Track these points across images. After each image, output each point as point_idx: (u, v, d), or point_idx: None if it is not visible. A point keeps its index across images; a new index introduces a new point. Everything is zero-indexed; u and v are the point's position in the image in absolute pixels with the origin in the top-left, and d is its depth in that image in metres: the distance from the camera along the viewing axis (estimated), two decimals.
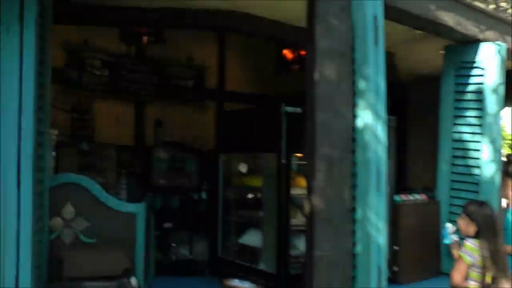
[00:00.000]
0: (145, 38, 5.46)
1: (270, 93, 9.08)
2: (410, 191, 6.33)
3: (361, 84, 3.36)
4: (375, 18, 3.37)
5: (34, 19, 3.02)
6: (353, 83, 3.36)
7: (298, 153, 4.00)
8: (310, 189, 3.19)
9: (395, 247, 5.14)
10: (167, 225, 6.99)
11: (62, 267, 3.24)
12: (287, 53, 7.52)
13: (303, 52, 7.30)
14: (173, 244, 6.73)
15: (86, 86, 7.04)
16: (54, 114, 6.66)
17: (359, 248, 3.37)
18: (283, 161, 3.71)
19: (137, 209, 3.46)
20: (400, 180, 7.02)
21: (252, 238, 4.33)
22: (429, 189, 6.40)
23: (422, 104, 7.74)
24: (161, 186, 6.92)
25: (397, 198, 5.33)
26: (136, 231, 3.42)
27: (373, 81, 3.36)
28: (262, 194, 4.22)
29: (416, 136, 8.10)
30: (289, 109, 3.77)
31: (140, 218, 3.43)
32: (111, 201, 3.46)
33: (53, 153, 5.68)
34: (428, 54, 6.25)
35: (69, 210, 3.43)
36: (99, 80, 7.31)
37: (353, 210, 3.30)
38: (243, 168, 4.50)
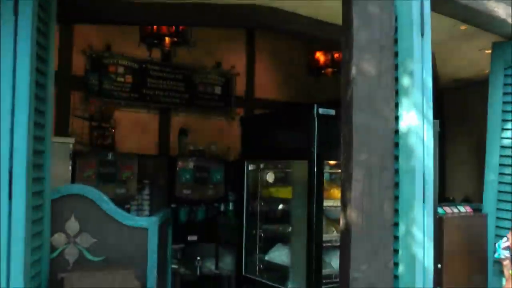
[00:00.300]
0: (167, 40, 5.06)
1: (301, 100, 8.69)
2: (450, 202, 5.82)
3: (405, 81, 2.90)
4: (422, 4, 2.93)
5: (31, 11, 2.66)
6: (396, 79, 2.90)
7: (332, 160, 3.56)
8: (345, 201, 2.74)
9: (438, 265, 4.62)
10: (192, 237, 6.64)
11: None
12: (320, 56, 7.07)
13: (337, 55, 6.86)
14: (198, 258, 6.35)
15: (108, 93, 6.75)
16: (73, 122, 6.47)
17: (401, 269, 2.91)
18: (315, 169, 3.29)
19: (149, 223, 3.06)
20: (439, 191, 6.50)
21: (279, 255, 3.89)
22: (469, 200, 5.91)
23: (461, 108, 7.23)
24: (186, 197, 6.56)
25: (441, 210, 4.82)
26: (148, 248, 3.02)
27: (418, 77, 2.90)
28: (291, 206, 3.78)
29: (454, 143, 7.55)
30: (322, 110, 3.34)
31: (152, 234, 3.03)
32: (120, 215, 3.07)
33: (70, 163, 5.39)
34: (471, 54, 5.73)
35: (73, 225, 3.05)
36: (122, 87, 7.02)
37: (395, 225, 2.84)
38: (270, 177, 4.08)
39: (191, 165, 6.58)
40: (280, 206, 4.12)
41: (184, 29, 5.04)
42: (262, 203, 4.05)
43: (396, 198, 2.84)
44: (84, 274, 2.82)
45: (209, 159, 6.79)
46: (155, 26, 4.83)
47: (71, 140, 5.46)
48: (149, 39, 4.94)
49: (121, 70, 7.06)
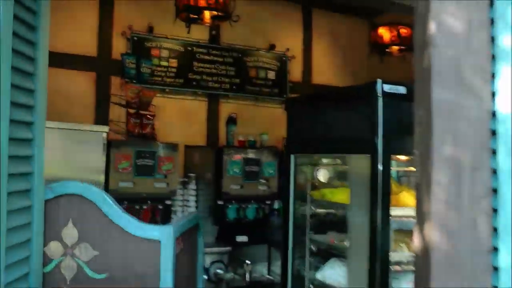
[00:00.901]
0: (206, 14, 4.38)
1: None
2: None
3: (505, 41, 2.08)
4: None
5: None
6: (492, 40, 2.08)
7: (402, 154, 2.69)
8: (422, 212, 1.96)
9: None
10: (241, 238, 5.99)
11: None
12: (384, 32, 6.20)
13: (404, 30, 5.98)
14: (247, 262, 5.69)
15: (151, 79, 6.19)
16: (113, 109, 5.95)
17: None
18: (379, 166, 2.47)
19: (162, 234, 2.40)
20: None
21: (334, 274, 3.12)
22: None
23: None
24: (234, 193, 5.91)
25: None
26: (160, 266, 2.36)
27: None
28: (349, 212, 2.95)
29: None
30: (389, 87, 2.50)
31: (166, 248, 2.36)
32: (127, 222, 2.42)
33: (103, 153, 4.85)
34: None
35: (70, 233, 2.43)
36: (167, 71, 6.44)
37: (494, 250, 2.03)
38: (321, 175, 3.32)
39: (240, 157, 5.91)
40: (335, 212, 3.34)
41: (226, 1, 4.34)
42: (313, 207, 3.29)
43: (495, 210, 2.02)
44: None
45: (261, 151, 6.09)
46: None
47: (105, 128, 4.91)
48: (186, 13, 4.26)
49: (165, 53, 6.48)
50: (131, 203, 5.09)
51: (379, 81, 2.52)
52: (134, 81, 5.90)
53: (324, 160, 3.36)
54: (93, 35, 6.11)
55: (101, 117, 5.94)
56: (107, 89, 5.97)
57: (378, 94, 2.51)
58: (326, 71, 7.79)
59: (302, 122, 3.25)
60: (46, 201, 2.40)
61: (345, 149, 2.82)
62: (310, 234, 3.31)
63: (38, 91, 2.42)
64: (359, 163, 2.79)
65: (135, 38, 6.28)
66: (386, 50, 6.39)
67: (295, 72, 7.48)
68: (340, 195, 3.13)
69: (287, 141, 3.36)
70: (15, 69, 2.16)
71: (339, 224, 3.20)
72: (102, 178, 4.88)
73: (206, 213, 6.02)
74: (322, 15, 7.71)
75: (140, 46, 6.29)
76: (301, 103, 3.53)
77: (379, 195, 2.44)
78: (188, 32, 4.51)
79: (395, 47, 6.52)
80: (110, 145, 4.96)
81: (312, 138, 3.12)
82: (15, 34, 2.15)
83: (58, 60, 5.84)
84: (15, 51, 2.16)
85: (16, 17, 2.16)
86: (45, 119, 2.52)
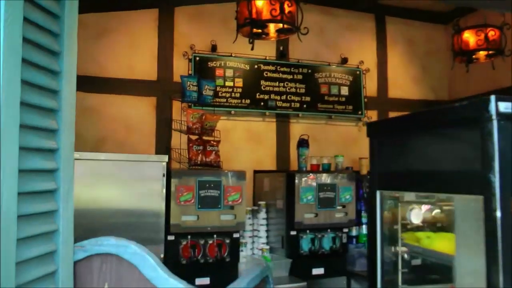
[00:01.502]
0: (271, 27, 3.89)
1: (446, 97, 7.19)
2: None
3: None
4: None
5: None
6: None
7: None
8: None
9: None
10: (317, 271, 5.42)
11: None
12: (470, 36, 5.48)
13: (492, 32, 5.24)
14: None
15: (215, 101, 5.79)
16: (173, 136, 5.59)
17: None
18: (498, 212, 1.82)
19: None
20: None
21: None
22: None
23: None
24: (308, 222, 5.35)
25: None
26: None
27: None
28: (456, 267, 2.33)
29: None
30: (505, 106, 1.87)
31: None
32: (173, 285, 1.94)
33: (164, 186, 4.46)
34: None
35: None
36: (232, 92, 6.03)
37: None
38: (415, 216, 2.72)
39: (313, 182, 5.36)
40: (435, 261, 2.71)
41: (293, 12, 3.83)
42: (405, 255, 2.69)
43: None
44: None
45: (336, 175, 5.52)
46: (253, 8, 3.66)
47: (164, 158, 4.51)
48: (249, 27, 3.78)
49: (229, 72, 6.07)
50: (195, 237, 4.68)
51: (492, 97, 1.90)
52: (197, 105, 5.51)
53: (418, 198, 2.76)
54: (153, 58, 5.79)
55: (162, 145, 5.59)
56: (168, 114, 5.61)
57: (492, 116, 1.89)
58: (403, 83, 7.14)
59: (389, 151, 2.66)
60: (76, 262, 1.96)
61: (447, 187, 2.22)
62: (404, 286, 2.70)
63: (62, 111, 1.96)
64: (466, 205, 2.19)
65: (197, 58, 5.91)
66: (473, 57, 5.66)
67: (370, 86, 6.88)
68: (441, 242, 2.52)
69: (371, 174, 2.76)
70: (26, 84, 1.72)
71: (442, 278, 2.57)
72: (162, 212, 4.48)
73: (278, 244, 5.51)
74: (396, 22, 7.11)
75: (202, 67, 5.92)
76: (387, 128, 2.93)
77: (499, 252, 1.82)
78: (252, 49, 4.04)
79: (482, 53, 5.78)
80: (170, 175, 4.56)
81: (402, 172, 2.53)
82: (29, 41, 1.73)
83: (117, 86, 5.55)
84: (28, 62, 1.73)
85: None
86: (73, 166, 2.05)
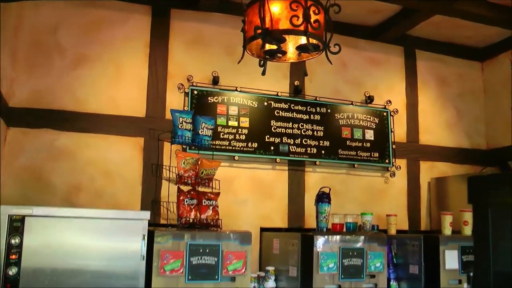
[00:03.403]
0: (290, 43, 2.87)
1: (483, 146, 6.22)
2: None
3: None
4: None
5: None
6: None
7: None
8: None
9: None
10: None
11: None
12: None
13: None
14: None
15: (215, 144, 4.78)
16: (163, 187, 4.54)
17: None
18: None
19: None
20: None
21: None
22: None
23: None
24: None
25: None
26: None
27: None
28: None
29: None
30: None
31: None
32: None
33: (143, 249, 3.39)
34: None
35: None
36: (236, 133, 5.02)
37: None
38: None
39: (335, 246, 4.28)
40: None
41: (318, 21, 2.80)
42: None
43: None
44: None
45: (365, 237, 4.44)
46: (267, 15, 2.64)
47: (145, 215, 3.46)
48: (258, 39, 2.75)
49: (233, 110, 5.07)
50: None
51: None
52: (192, 148, 4.49)
53: None
54: (141, 91, 4.80)
55: (149, 197, 4.52)
56: (157, 159, 4.57)
57: None
58: (435, 128, 6.12)
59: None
60: None
61: None
62: None
63: None
64: None
65: (195, 92, 4.92)
66: None
67: (398, 130, 5.85)
68: None
69: (475, 274, 1.69)
70: None
71: None
72: (141, 284, 3.40)
73: None
74: (427, 58, 6.15)
75: (201, 102, 4.93)
76: (497, 188, 1.87)
77: None
78: (263, 73, 3.01)
79: None
80: (152, 238, 3.49)
81: None
82: None
83: (97, 123, 4.56)
84: None
85: None
86: None
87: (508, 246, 1.59)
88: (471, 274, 4.34)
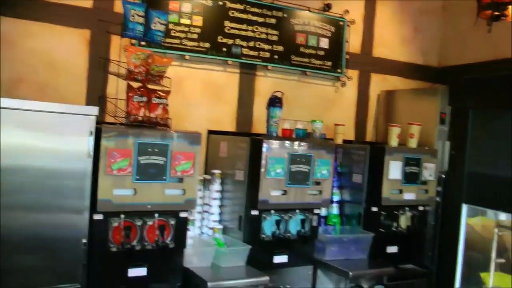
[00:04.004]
0: None
1: (435, 63, 6.27)
2: None
3: None
4: None
5: None
6: None
7: None
8: None
9: None
10: (280, 259, 4.42)
11: None
12: None
13: None
14: None
15: (166, 42, 4.58)
16: (110, 82, 4.35)
17: None
18: None
19: None
20: None
21: None
22: None
23: None
24: (274, 200, 4.30)
25: None
26: None
27: None
28: None
29: None
30: None
31: None
32: None
33: (91, 147, 3.27)
34: None
35: None
36: (188, 32, 4.81)
37: None
38: None
39: (285, 152, 4.29)
40: None
41: None
42: None
43: None
44: None
45: (314, 145, 4.46)
46: None
47: (93, 110, 3.30)
48: None
49: (186, 7, 4.83)
50: (130, 217, 3.54)
51: None
52: (142, 43, 4.28)
53: None
54: None
55: (96, 93, 4.33)
56: (105, 53, 4.32)
57: None
58: (391, 42, 6.10)
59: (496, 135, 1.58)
60: None
61: None
62: None
63: None
64: None
65: None
66: (496, 13, 4.56)
67: (353, 41, 5.79)
68: None
69: (449, 175, 1.69)
70: None
71: None
72: (87, 184, 3.31)
73: (234, 224, 4.45)
74: None
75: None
76: (494, 93, 1.84)
77: None
78: None
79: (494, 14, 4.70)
80: (99, 135, 3.36)
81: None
82: None
83: (41, 10, 4.22)
84: None
85: None
86: None
87: (484, 147, 1.61)
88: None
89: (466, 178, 1.54)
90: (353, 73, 5.78)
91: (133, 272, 3.62)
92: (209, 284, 3.71)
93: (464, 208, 1.58)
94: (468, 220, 1.84)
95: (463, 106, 1.74)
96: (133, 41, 4.31)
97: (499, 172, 1.54)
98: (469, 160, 1.57)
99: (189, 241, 3.97)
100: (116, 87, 3.91)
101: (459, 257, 1.54)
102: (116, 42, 4.19)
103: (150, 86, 3.75)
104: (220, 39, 4.98)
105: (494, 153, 1.56)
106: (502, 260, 1.70)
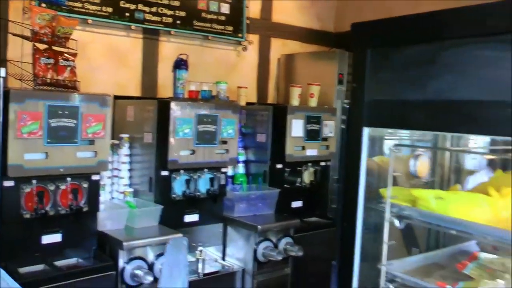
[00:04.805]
0: None
1: (331, 29, 6.58)
2: None
3: None
4: None
5: None
6: None
7: None
8: None
9: None
10: (191, 218, 4.57)
11: None
12: None
13: None
14: (200, 248, 4.32)
15: (69, 5, 4.49)
16: (10, 44, 4.20)
17: None
18: None
19: None
20: None
21: None
22: None
23: None
24: (184, 160, 4.41)
25: None
26: None
27: None
28: None
29: None
30: None
31: None
32: None
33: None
34: None
35: None
36: None
37: None
38: (420, 167, 1.92)
39: (192, 113, 4.39)
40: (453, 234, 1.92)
41: None
42: (398, 222, 1.89)
43: None
44: None
45: (219, 106, 4.61)
46: None
47: (0, 72, 3.22)
48: None
49: None
50: (42, 182, 3.51)
51: None
52: (47, 6, 4.17)
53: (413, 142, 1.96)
54: None
55: None
56: (3, 13, 4.17)
57: None
58: (290, 8, 6.35)
59: (390, 69, 1.81)
60: None
61: (486, 127, 1.43)
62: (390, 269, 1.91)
63: None
64: None
65: None
66: None
67: (253, 7, 5.97)
68: (465, 209, 1.76)
69: (355, 103, 1.89)
70: None
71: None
72: None
73: (144, 187, 4.52)
74: None
75: None
76: (390, 32, 2.05)
77: None
78: None
79: None
80: (7, 98, 3.29)
81: (412, 101, 1.70)
82: None
83: None
84: None
85: None
86: None
87: (381, 79, 1.80)
88: None
89: (365, 106, 1.74)
90: (254, 38, 5.97)
91: (48, 238, 3.60)
92: (124, 244, 3.77)
93: (365, 130, 1.76)
94: (368, 160, 2.05)
95: (362, 46, 1.93)
96: (33, 2, 4.18)
97: (392, 98, 1.75)
98: (368, 92, 1.76)
99: (101, 206, 4.00)
100: (21, 50, 3.81)
101: (361, 181, 1.71)
102: (16, 3, 4.06)
103: (56, 48, 3.70)
104: (122, 4, 4.95)
105: (389, 82, 1.75)
106: (399, 174, 1.93)
